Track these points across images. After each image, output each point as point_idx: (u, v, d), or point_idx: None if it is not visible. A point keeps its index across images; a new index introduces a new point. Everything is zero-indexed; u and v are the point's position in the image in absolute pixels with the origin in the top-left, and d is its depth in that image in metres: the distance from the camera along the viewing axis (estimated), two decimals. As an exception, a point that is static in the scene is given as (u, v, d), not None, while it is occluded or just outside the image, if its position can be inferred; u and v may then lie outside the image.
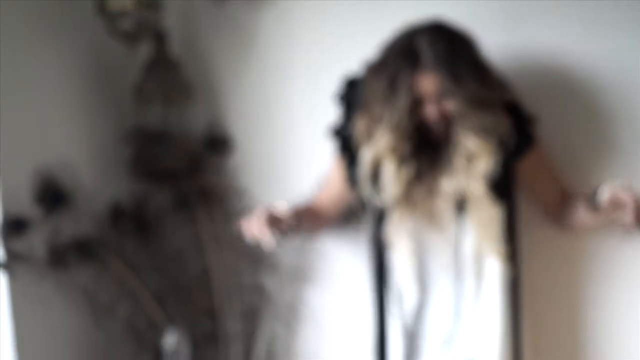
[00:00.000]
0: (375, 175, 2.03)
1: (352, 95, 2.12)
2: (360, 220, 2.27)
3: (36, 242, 2.22)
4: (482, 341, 2.04)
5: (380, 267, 2.10)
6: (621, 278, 2.25)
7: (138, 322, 2.42)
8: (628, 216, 1.85)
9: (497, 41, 2.16)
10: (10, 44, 2.18)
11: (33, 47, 2.28)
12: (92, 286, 2.35)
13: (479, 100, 1.94)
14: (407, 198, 2.01)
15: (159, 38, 2.44)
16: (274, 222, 1.98)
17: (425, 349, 2.08)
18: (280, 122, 2.45)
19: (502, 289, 2.03)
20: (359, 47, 2.11)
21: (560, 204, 2.14)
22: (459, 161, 1.98)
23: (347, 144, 2.11)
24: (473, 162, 1.97)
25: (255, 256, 2.47)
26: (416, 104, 1.96)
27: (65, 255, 2.27)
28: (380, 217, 2.08)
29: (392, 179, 2.00)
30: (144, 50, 2.44)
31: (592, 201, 1.95)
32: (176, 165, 2.44)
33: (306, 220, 2.13)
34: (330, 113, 2.22)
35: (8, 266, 2.13)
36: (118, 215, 2.43)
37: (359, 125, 2.04)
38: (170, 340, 2.24)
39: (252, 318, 2.46)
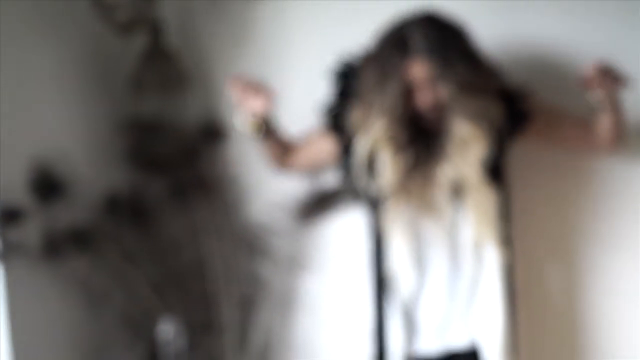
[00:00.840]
0: (371, 164, 2.04)
1: (348, 77, 2.15)
2: (356, 208, 2.28)
3: (32, 232, 2.21)
4: (483, 327, 2.04)
5: (378, 254, 2.11)
6: (615, 262, 2.26)
7: (133, 312, 2.42)
8: (597, 88, 1.98)
9: (493, 30, 2.16)
10: (5, 35, 2.17)
11: (29, 38, 2.27)
12: (88, 276, 2.35)
13: (470, 86, 1.96)
14: (403, 186, 2.02)
15: (155, 29, 2.44)
16: (255, 90, 2.09)
17: (423, 335, 2.09)
18: (276, 111, 2.45)
19: (501, 275, 2.04)
20: (355, 40, 2.11)
21: (587, 131, 2.14)
22: (453, 148, 1.99)
23: (336, 123, 2.15)
24: (467, 148, 1.99)
25: (251, 245, 2.48)
26: (409, 91, 1.98)
27: (60, 245, 2.27)
28: (376, 206, 2.08)
29: (389, 168, 2.01)
30: (140, 41, 2.45)
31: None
32: (172, 155, 2.44)
33: (279, 143, 2.22)
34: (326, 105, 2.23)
35: (4, 256, 2.13)
36: (114, 205, 2.42)
37: (355, 115, 2.06)
38: (166, 329, 2.25)
39: (247, 307, 2.47)
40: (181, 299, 2.44)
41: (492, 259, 2.04)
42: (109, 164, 2.48)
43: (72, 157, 2.34)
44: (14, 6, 2.21)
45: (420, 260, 2.06)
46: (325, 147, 2.21)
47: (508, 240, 2.07)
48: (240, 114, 2.16)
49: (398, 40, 1.97)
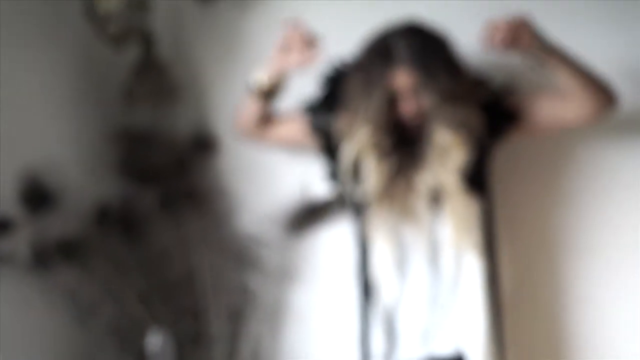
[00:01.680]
0: (356, 170, 2.05)
1: (335, 82, 2.18)
2: (344, 219, 2.28)
3: (20, 242, 2.21)
4: (466, 334, 2.05)
5: (364, 261, 2.12)
6: (601, 269, 2.27)
7: (122, 323, 2.41)
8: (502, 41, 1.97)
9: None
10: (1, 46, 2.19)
11: (21, 49, 2.27)
12: (76, 287, 2.34)
13: (451, 95, 2.00)
14: (387, 193, 2.04)
15: (147, 40, 2.45)
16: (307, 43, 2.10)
17: (405, 342, 2.09)
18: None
19: (482, 283, 2.04)
20: (346, 49, 2.12)
21: (564, 100, 2.10)
22: (433, 155, 2.02)
23: (318, 122, 2.19)
24: (447, 156, 2.01)
25: (240, 256, 2.48)
26: (393, 100, 2.01)
27: (49, 256, 2.26)
28: (361, 212, 2.10)
29: (373, 174, 2.03)
30: (132, 52, 2.45)
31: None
32: (163, 166, 2.44)
33: (268, 111, 2.24)
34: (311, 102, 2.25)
35: (-7, 266, 2.14)
36: (104, 215, 2.42)
37: (340, 123, 2.07)
38: (154, 341, 2.24)
39: (236, 318, 2.47)
40: (170, 310, 2.44)
41: (472, 266, 2.04)
42: (99, 175, 2.47)
43: (62, 168, 2.34)
44: (5, 16, 2.22)
45: (401, 267, 2.07)
46: (299, 131, 2.25)
47: (490, 248, 2.08)
48: (269, 65, 2.15)
49: (382, 50, 2.01)
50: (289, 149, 2.35)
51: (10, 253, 2.18)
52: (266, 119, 2.26)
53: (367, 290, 2.11)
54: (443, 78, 1.98)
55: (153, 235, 2.46)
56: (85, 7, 2.36)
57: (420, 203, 2.04)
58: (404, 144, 2.05)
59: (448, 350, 2.08)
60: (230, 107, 2.49)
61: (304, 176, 2.41)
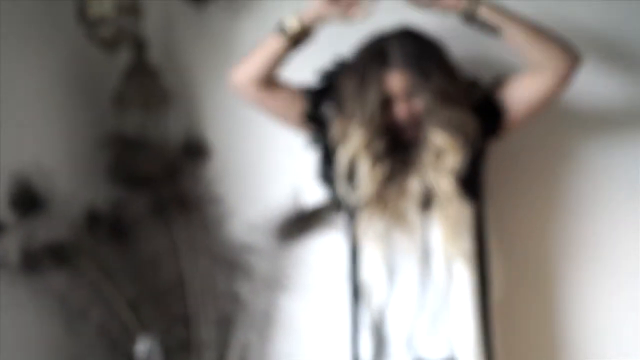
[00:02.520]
0: (351, 174, 2.05)
1: (330, 79, 2.16)
2: (336, 226, 2.28)
3: (11, 246, 2.20)
4: (455, 340, 2.04)
5: (355, 266, 2.11)
6: (594, 277, 2.26)
7: (111, 329, 2.40)
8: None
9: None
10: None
11: (12, 52, 2.27)
12: (66, 292, 2.33)
13: (445, 97, 1.99)
14: (379, 198, 2.03)
15: (139, 44, 2.45)
16: None
17: (394, 347, 2.08)
18: (259, 130, 2.45)
19: (472, 289, 2.03)
20: (339, 54, 2.11)
21: (537, 70, 2.04)
22: (427, 158, 2.01)
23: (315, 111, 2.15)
24: (441, 158, 2.00)
25: (230, 263, 2.47)
26: (387, 103, 2.01)
27: (38, 261, 2.26)
28: (354, 217, 2.09)
29: (366, 178, 2.02)
30: (123, 57, 2.44)
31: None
32: (153, 171, 2.43)
33: (280, 64, 2.12)
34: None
35: (-18, 270, 2.13)
36: (94, 220, 2.41)
37: (335, 126, 2.07)
38: (143, 347, 2.23)
39: (226, 325, 2.46)
40: (160, 316, 2.43)
41: (462, 272, 2.04)
42: (90, 179, 2.47)
43: (53, 172, 2.33)
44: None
45: (391, 272, 2.06)
46: (296, 108, 2.17)
47: (482, 254, 2.07)
48: (308, 9, 2.04)
49: (377, 52, 2.01)
50: (277, 120, 2.23)
51: (1, 256, 2.17)
52: (275, 76, 2.13)
53: (357, 294, 2.10)
54: (437, 80, 1.97)
55: (143, 241, 2.46)
56: (77, 11, 2.35)
57: (412, 208, 2.03)
58: (397, 149, 2.04)
59: (439, 356, 2.07)
60: (221, 113, 2.50)
61: (296, 183, 2.40)
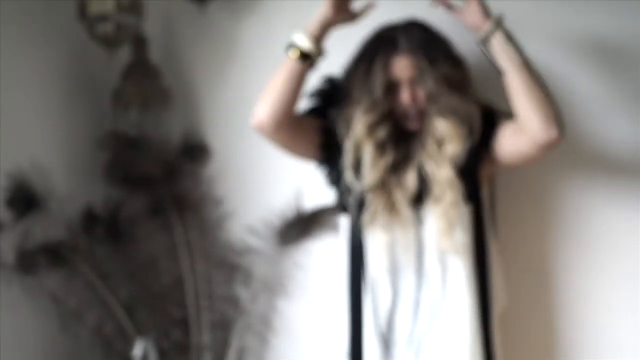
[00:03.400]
0: (357, 165, 2.02)
1: (329, 92, 2.13)
2: (335, 229, 2.25)
3: (6, 245, 2.19)
4: (450, 346, 2.01)
5: (358, 261, 2.07)
6: (597, 281, 2.24)
7: (107, 330, 2.39)
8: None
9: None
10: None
11: (12, 49, 2.26)
12: (61, 292, 2.32)
13: (451, 84, 1.97)
14: (383, 186, 2.00)
15: (139, 43, 2.43)
16: None
17: (398, 351, 2.05)
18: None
19: (469, 290, 2.00)
20: (341, 53, 2.09)
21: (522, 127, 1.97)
22: (429, 146, 1.99)
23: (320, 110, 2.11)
24: (443, 147, 1.98)
25: (229, 266, 2.45)
26: (392, 88, 2.00)
27: (34, 260, 2.24)
28: (358, 208, 2.05)
29: (370, 164, 2.00)
30: (124, 55, 2.42)
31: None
32: (152, 171, 2.41)
33: (299, 91, 2.02)
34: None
35: (-23, 269, 2.11)
36: (91, 220, 2.40)
37: (342, 117, 2.04)
38: (139, 349, 2.21)
39: (224, 329, 2.43)
40: (156, 318, 2.41)
41: (458, 271, 1.99)
42: (87, 179, 2.46)
43: (50, 171, 2.32)
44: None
45: (394, 266, 2.03)
46: (316, 140, 2.10)
47: (481, 256, 2.03)
48: (314, 21, 1.98)
49: (385, 39, 2.01)
50: (296, 156, 2.16)
51: (-4, 255, 2.16)
52: (294, 109, 2.04)
53: (359, 292, 2.07)
54: (443, 67, 1.96)
55: (140, 242, 2.44)
56: (78, 9, 2.34)
57: (405, 202, 2.00)
58: (400, 139, 2.02)
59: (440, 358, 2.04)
60: (221, 113, 2.47)
61: (296, 185, 2.37)
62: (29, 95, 2.32)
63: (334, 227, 2.28)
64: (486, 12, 1.95)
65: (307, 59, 1.97)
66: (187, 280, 2.42)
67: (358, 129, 2.00)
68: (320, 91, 2.13)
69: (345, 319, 2.10)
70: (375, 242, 2.03)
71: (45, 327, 2.32)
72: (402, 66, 1.99)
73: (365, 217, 2.02)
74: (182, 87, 2.50)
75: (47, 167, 2.31)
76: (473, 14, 1.95)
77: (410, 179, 2.00)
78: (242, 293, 2.45)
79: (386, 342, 2.04)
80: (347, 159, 2.03)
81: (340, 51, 2.08)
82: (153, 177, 2.42)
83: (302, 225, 2.40)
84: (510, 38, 1.93)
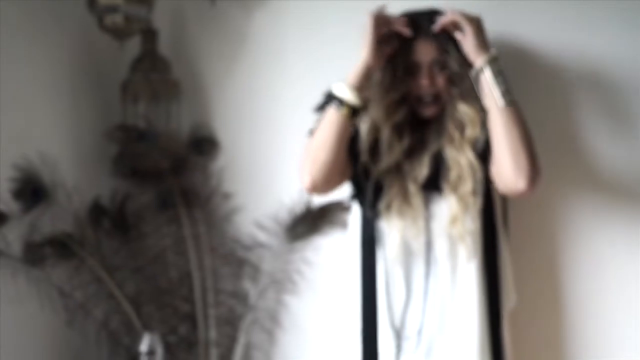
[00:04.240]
0: (373, 148, 2.00)
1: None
2: (344, 225, 2.23)
3: (13, 237, 2.17)
4: (459, 343, 1.98)
5: (371, 255, 2.04)
6: (606, 280, 2.22)
7: (114, 325, 2.37)
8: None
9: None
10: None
11: (21, 40, 2.25)
12: (68, 285, 2.30)
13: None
14: (397, 173, 1.99)
15: (149, 34, 2.41)
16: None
17: (408, 347, 2.03)
18: (269, 125, 2.42)
19: (478, 286, 1.97)
20: (351, 48, 2.07)
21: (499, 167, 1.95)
22: (451, 130, 1.97)
23: None
24: (464, 131, 1.96)
25: (237, 261, 2.43)
26: (411, 71, 1.99)
27: (41, 252, 2.23)
28: (375, 194, 2.01)
29: (387, 148, 1.98)
30: (134, 47, 2.40)
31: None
32: (160, 164, 2.40)
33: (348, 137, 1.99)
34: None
35: (-17, 260, 2.09)
36: (98, 213, 2.38)
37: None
38: (146, 344, 2.19)
39: (231, 324, 2.42)
40: (163, 313, 2.40)
41: (467, 265, 1.97)
42: (95, 172, 2.44)
43: (58, 163, 2.31)
44: (7, 7, 2.18)
45: (407, 257, 2.00)
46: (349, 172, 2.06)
47: (492, 255, 2.00)
48: (358, 68, 1.94)
49: (408, 23, 1.99)
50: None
51: (2, 247, 2.15)
52: (344, 156, 1.99)
53: (372, 289, 2.05)
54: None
55: (148, 235, 2.42)
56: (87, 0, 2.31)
57: (417, 187, 1.98)
58: (418, 128, 2.01)
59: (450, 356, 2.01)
60: (231, 106, 2.45)
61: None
62: (37, 86, 2.31)
63: (343, 223, 2.27)
64: (482, 46, 1.91)
65: (355, 112, 1.94)
66: (195, 275, 2.40)
67: (376, 111, 1.98)
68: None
69: (355, 316, 2.08)
70: (391, 228, 2.00)
71: (52, 320, 2.30)
72: (424, 49, 1.98)
73: (382, 203, 2.00)
74: (191, 80, 2.48)
75: (55, 159, 2.29)
76: (469, 45, 1.92)
77: (424, 166, 1.98)
78: (250, 288, 2.43)
79: (399, 338, 2.02)
80: (364, 141, 2.01)
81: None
82: (161, 171, 2.40)
83: (311, 221, 2.38)
84: (500, 78, 1.89)
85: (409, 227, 1.99)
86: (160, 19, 2.43)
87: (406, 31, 1.95)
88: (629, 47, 2.17)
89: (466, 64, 1.95)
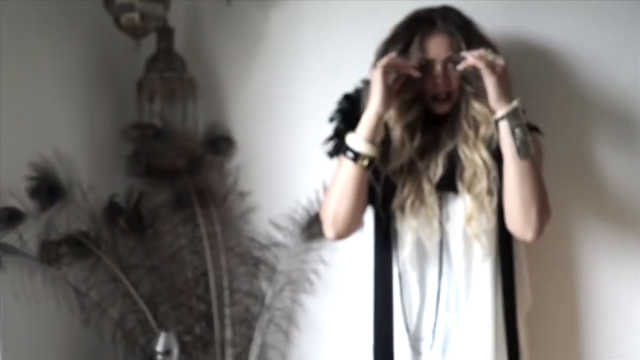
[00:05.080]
0: (386, 148, 1.98)
1: (349, 109, 2.09)
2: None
3: (29, 236, 2.17)
4: (475, 343, 1.97)
5: (386, 255, 2.03)
6: (623, 281, 2.21)
7: (130, 324, 2.37)
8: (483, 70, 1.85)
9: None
10: (14, 34, 2.14)
11: (37, 38, 2.24)
12: (84, 284, 2.30)
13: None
14: (411, 172, 1.98)
15: (165, 33, 2.41)
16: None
17: (424, 349, 2.01)
18: (285, 124, 2.41)
19: (493, 287, 1.96)
20: (367, 48, 2.06)
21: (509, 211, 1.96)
22: (465, 129, 1.96)
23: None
24: (478, 130, 1.95)
25: (253, 260, 2.43)
26: (425, 68, 1.96)
27: (57, 251, 2.23)
28: (387, 194, 2.00)
29: (398, 148, 1.97)
30: (150, 46, 2.40)
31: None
32: (176, 163, 2.39)
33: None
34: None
35: (-1, 259, 2.09)
36: (114, 212, 2.38)
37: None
38: (162, 344, 2.19)
39: (247, 324, 2.41)
40: (179, 312, 2.40)
41: (484, 268, 1.96)
42: (111, 171, 2.44)
43: (74, 162, 2.30)
44: (20, 6, 2.18)
45: (421, 257, 1.99)
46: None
47: (508, 256, 2.00)
48: (372, 111, 1.91)
49: (422, 19, 1.99)
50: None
51: (19, 246, 2.14)
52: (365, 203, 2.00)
53: (387, 290, 2.04)
54: (478, 46, 1.92)
55: (164, 234, 2.42)
56: (104, -2, 2.31)
57: (432, 187, 1.96)
58: (431, 127, 1.99)
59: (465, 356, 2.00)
60: (246, 105, 2.45)
61: (322, 179, 2.33)
62: (53, 84, 2.30)
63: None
64: (503, 96, 1.86)
65: (371, 161, 1.93)
66: (211, 274, 2.39)
67: (390, 111, 1.96)
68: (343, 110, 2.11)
69: (370, 316, 2.07)
70: (404, 228, 1.99)
71: (68, 319, 2.30)
72: (438, 46, 1.96)
73: (395, 202, 1.98)
74: (207, 79, 2.47)
75: (71, 158, 2.29)
76: (490, 94, 1.87)
77: (439, 165, 1.97)
78: (266, 288, 2.42)
79: (414, 338, 2.01)
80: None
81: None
82: (177, 169, 2.39)
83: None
84: (518, 130, 1.86)
85: (423, 226, 1.98)
86: (176, 17, 2.42)
87: (415, 74, 1.91)
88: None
89: None
